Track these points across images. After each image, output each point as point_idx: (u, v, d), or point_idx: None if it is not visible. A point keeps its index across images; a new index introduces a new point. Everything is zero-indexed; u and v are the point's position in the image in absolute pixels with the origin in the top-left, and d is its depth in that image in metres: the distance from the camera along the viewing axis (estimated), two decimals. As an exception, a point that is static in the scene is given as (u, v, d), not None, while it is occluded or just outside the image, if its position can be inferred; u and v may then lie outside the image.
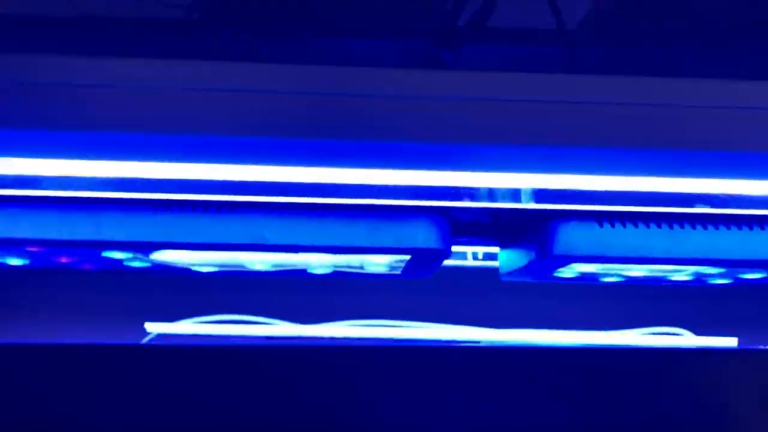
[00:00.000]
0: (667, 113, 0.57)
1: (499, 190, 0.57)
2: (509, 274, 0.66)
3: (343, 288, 0.86)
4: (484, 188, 0.57)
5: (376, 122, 0.56)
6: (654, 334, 0.91)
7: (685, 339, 0.90)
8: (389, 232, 0.52)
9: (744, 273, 0.66)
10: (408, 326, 0.78)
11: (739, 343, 0.84)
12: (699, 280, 0.69)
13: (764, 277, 0.67)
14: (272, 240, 0.50)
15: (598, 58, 0.71)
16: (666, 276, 0.68)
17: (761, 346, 0.84)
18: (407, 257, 0.57)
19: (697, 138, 0.57)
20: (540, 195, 0.58)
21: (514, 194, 0.58)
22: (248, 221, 0.50)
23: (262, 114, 0.51)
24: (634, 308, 0.88)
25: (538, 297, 0.90)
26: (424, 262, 0.59)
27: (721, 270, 0.63)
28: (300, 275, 0.66)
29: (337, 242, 0.51)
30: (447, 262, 0.85)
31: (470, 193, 0.56)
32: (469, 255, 0.86)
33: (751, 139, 0.55)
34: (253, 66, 0.54)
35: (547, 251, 0.57)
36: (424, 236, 0.53)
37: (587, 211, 0.57)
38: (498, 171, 0.56)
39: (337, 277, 0.67)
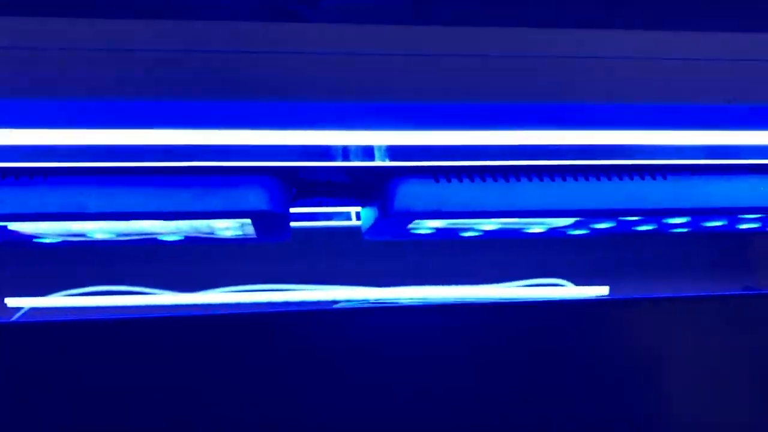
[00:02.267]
0: (502, 65, 0.57)
1: (336, 148, 0.57)
2: (367, 233, 0.66)
3: (225, 254, 0.85)
4: (322, 146, 0.57)
5: (207, 80, 0.54)
6: (535, 285, 0.93)
7: (566, 290, 0.92)
8: (219, 196, 0.52)
9: (595, 223, 0.67)
10: (287, 289, 0.78)
11: (611, 291, 0.86)
12: (555, 231, 0.70)
13: (615, 226, 0.68)
14: (94, 208, 0.49)
15: (451, 10, 0.71)
16: (522, 228, 0.69)
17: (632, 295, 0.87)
18: (248, 221, 0.56)
19: (529, 90, 0.57)
20: (380, 152, 0.58)
21: (353, 152, 0.58)
22: (65, 189, 0.48)
23: (79, 72, 0.49)
24: (513, 261, 0.90)
25: (420, 254, 0.91)
26: (269, 225, 0.58)
27: (570, 220, 0.65)
28: (151, 243, 0.65)
29: (164, 208, 0.51)
30: (335, 223, 0.86)
31: (306, 152, 0.56)
32: (353, 215, 0.86)
33: (580, 90, 0.56)
34: (75, 21, 0.52)
35: (387, 209, 0.57)
36: (257, 199, 0.52)
37: (426, 167, 0.57)
38: (334, 129, 0.56)
39: (192, 243, 0.67)
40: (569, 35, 0.54)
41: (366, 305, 0.78)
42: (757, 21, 0.47)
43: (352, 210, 0.84)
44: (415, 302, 0.83)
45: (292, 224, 0.80)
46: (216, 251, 0.83)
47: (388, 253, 0.86)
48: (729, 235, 0.83)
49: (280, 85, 0.56)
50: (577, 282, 0.92)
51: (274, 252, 0.85)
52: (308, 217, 0.79)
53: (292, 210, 0.72)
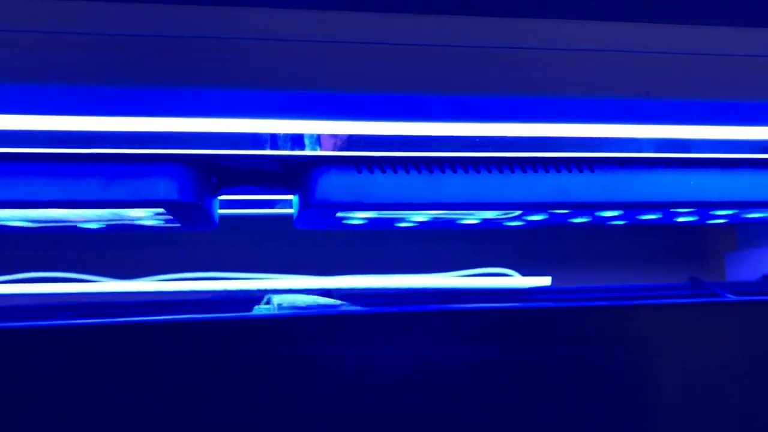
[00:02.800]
0: (426, 55, 0.56)
1: (258, 136, 0.55)
2: (296, 222, 0.65)
3: (163, 242, 0.83)
4: (242, 135, 0.55)
5: (122, 65, 0.53)
6: (481, 275, 0.92)
7: (511, 280, 0.92)
8: (127, 185, 0.50)
9: (527, 215, 0.66)
10: (218, 278, 0.77)
11: (553, 281, 0.85)
12: (490, 222, 0.69)
13: (548, 218, 0.68)
14: (-7, 197, 0.47)
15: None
16: (455, 220, 0.68)
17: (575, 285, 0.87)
18: (161, 210, 0.55)
19: (456, 82, 0.56)
20: (304, 141, 0.56)
21: (276, 141, 0.56)
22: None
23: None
24: (454, 250, 0.89)
25: (366, 244, 0.90)
26: (186, 214, 0.57)
27: (499, 213, 0.64)
28: (71, 231, 0.63)
29: (68, 197, 0.49)
30: (277, 211, 0.84)
31: (225, 140, 0.55)
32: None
33: (506, 82, 0.55)
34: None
35: (308, 199, 0.56)
36: (167, 188, 0.51)
37: (349, 157, 0.56)
38: (254, 117, 0.55)
39: (115, 231, 0.65)
40: (493, 24, 0.53)
41: (346, 310, 0.74)
42: (675, 13, 0.46)
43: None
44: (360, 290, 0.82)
45: (233, 212, 0.79)
46: (149, 238, 0.82)
47: (330, 242, 0.85)
48: (674, 227, 0.82)
49: (198, 72, 0.54)
50: (521, 272, 0.92)
51: (211, 239, 0.84)
52: (247, 204, 0.78)
53: (225, 197, 0.71)
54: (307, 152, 0.56)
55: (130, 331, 0.53)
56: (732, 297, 0.84)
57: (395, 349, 0.56)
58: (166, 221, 0.61)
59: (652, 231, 0.95)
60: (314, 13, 0.56)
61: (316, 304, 0.58)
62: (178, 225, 0.62)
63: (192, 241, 0.83)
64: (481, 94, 0.56)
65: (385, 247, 0.91)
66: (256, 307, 0.64)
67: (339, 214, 0.61)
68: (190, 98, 0.53)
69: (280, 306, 0.56)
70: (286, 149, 0.56)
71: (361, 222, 0.66)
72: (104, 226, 0.62)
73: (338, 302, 0.61)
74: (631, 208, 0.60)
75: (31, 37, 0.49)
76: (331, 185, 0.54)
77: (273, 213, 0.76)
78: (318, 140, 0.55)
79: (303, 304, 0.58)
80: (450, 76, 0.56)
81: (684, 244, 0.98)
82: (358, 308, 0.63)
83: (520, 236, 0.90)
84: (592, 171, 0.58)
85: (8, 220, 0.58)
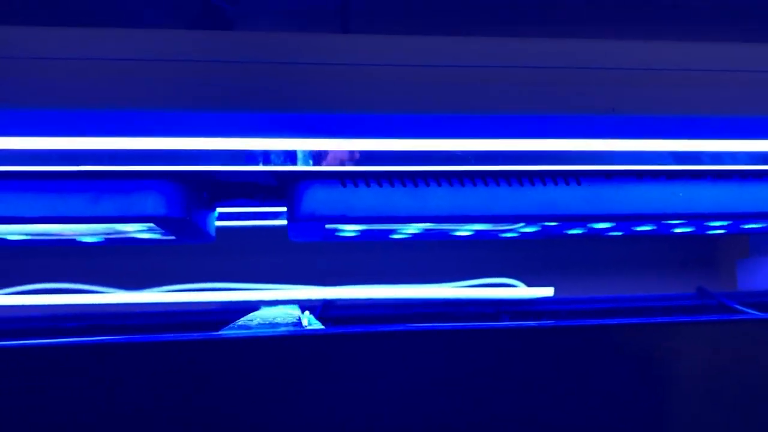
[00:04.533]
0: (414, 74, 0.56)
1: (247, 153, 0.56)
2: (290, 234, 0.66)
3: (165, 253, 0.85)
4: (231, 151, 0.56)
5: (114, 88, 0.54)
6: (485, 285, 0.92)
7: (515, 290, 0.92)
8: (115, 201, 0.51)
9: (524, 227, 0.66)
10: (215, 289, 0.78)
11: (558, 291, 0.85)
12: (484, 234, 0.70)
13: (540, 230, 0.68)
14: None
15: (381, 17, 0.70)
16: (449, 231, 0.68)
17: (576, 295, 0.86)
18: (153, 225, 0.56)
19: (442, 99, 0.56)
20: (289, 157, 0.57)
21: (264, 157, 0.57)
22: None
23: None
24: (454, 261, 0.89)
25: (363, 253, 0.90)
26: (178, 229, 0.58)
27: (498, 225, 0.64)
28: (70, 244, 0.65)
29: (59, 212, 0.50)
30: (274, 222, 0.85)
31: (215, 156, 0.56)
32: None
33: (489, 98, 0.55)
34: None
35: (294, 212, 0.57)
36: (154, 203, 0.52)
37: (334, 171, 0.57)
38: (242, 136, 0.56)
39: (113, 245, 0.66)
40: (476, 43, 0.53)
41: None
42: (659, 29, 0.46)
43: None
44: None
45: (233, 224, 0.81)
46: (149, 250, 0.83)
47: (329, 252, 0.85)
48: (676, 237, 0.82)
49: (190, 93, 0.55)
50: (525, 281, 0.91)
51: (210, 250, 0.85)
52: (244, 216, 0.79)
53: (222, 210, 0.72)
54: (294, 167, 0.57)
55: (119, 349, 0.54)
56: (738, 307, 0.83)
57: (355, 371, 0.55)
58: (162, 235, 0.62)
59: (660, 239, 0.94)
60: (302, 36, 0.57)
61: (285, 322, 0.58)
62: (173, 238, 0.64)
63: (190, 252, 0.84)
64: (466, 111, 0.56)
65: (385, 257, 0.91)
66: (240, 319, 0.65)
67: (329, 227, 0.62)
68: (179, 119, 0.54)
69: (259, 324, 0.56)
70: (274, 165, 0.57)
71: (353, 234, 0.67)
72: (103, 239, 0.63)
73: (319, 325, 0.61)
74: (620, 220, 0.60)
75: (26, 64, 0.50)
76: (316, 199, 0.55)
77: (270, 225, 0.77)
78: (305, 156, 0.56)
79: (283, 321, 0.59)
80: (434, 94, 0.57)
81: (694, 252, 0.97)
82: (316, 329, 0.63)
83: (524, 246, 0.90)
84: (579, 184, 0.58)
85: (8, 234, 0.60)
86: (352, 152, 0.56)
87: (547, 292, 0.88)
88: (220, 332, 0.53)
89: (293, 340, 0.46)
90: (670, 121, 0.52)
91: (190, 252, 0.84)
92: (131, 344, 0.45)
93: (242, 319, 0.63)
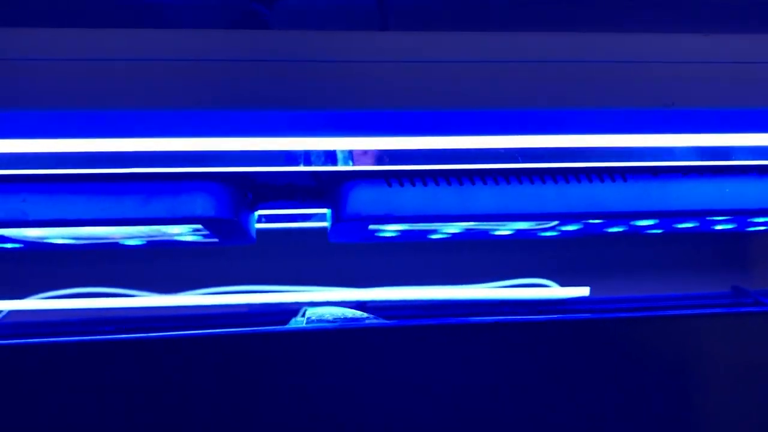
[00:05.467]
0: (459, 71, 0.56)
1: (291, 153, 0.57)
2: (331, 236, 0.66)
3: (200, 256, 0.85)
4: (275, 152, 0.56)
5: (158, 88, 0.54)
6: (519, 285, 0.91)
7: (549, 290, 0.91)
8: (163, 203, 0.52)
9: (561, 225, 0.66)
10: (257, 291, 0.78)
11: (592, 291, 0.85)
12: (523, 233, 0.69)
13: (582, 228, 0.67)
14: (33, 216, 0.49)
15: (420, 16, 0.70)
16: (488, 230, 0.68)
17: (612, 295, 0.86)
18: (199, 226, 0.56)
19: (485, 96, 0.56)
20: (332, 157, 0.57)
21: (309, 158, 0.57)
22: (6, 197, 0.49)
23: (20, 82, 0.49)
24: (490, 261, 0.89)
25: (404, 254, 0.90)
26: (223, 230, 0.58)
27: (531, 224, 0.64)
28: (114, 247, 0.65)
29: (107, 215, 0.51)
30: (313, 224, 0.85)
31: (259, 158, 0.56)
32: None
33: (534, 95, 0.55)
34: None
35: (339, 213, 0.57)
36: (203, 205, 0.52)
37: (379, 171, 0.57)
38: (287, 136, 0.56)
39: (155, 247, 0.67)
40: (518, 39, 0.53)
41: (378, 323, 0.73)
42: (698, 23, 0.46)
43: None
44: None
45: (272, 226, 0.81)
46: (189, 253, 0.83)
47: (366, 254, 0.85)
48: (712, 235, 0.81)
49: (235, 94, 0.55)
50: (559, 282, 0.91)
51: (249, 252, 0.85)
52: (284, 218, 0.79)
53: (263, 212, 0.72)
54: (338, 168, 0.57)
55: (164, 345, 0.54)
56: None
57: (420, 362, 0.56)
58: (205, 237, 0.62)
59: (695, 238, 0.93)
60: (344, 34, 0.57)
61: (344, 317, 0.58)
62: (216, 240, 0.64)
63: (231, 254, 0.85)
64: (511, 107, 0.56)
65: (421, 258, 0.91)
66: (293, 319, 0.65)
67: (371, 227, 0.62)
68: (227, 120, 0.54)
69: (309, 320, 0.57)
70: (318, 165, 0.57)
71: (393, 234, 0.67)
72: (144, 242, 0.64)
73: (365, 315, 0.61)
74: (665, 216, 0.60)
75: (81, 66, 0.51)
76: (361, 199, 0.55)
77: (309, 226, 0.77)
78: (349, 156, 0.56)
79: (331, 318, 0.59)
80: (477, 91, 0.57)
81: (729, 250, 0.96)
82: (384, 322, 0.63)
83: (559, 245, 0.89)
84: (625, 180, 0.57)
85: (53, 237, 0.60)
86: (395, 151, 0.56)
87: (583, 291, 0.88)
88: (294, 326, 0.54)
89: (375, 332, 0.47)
90: (717, 115, 0.52)
91: (226, 254, 0.84)
92: (203, 338, 0.45)
93: (297, 317, 0.63)
